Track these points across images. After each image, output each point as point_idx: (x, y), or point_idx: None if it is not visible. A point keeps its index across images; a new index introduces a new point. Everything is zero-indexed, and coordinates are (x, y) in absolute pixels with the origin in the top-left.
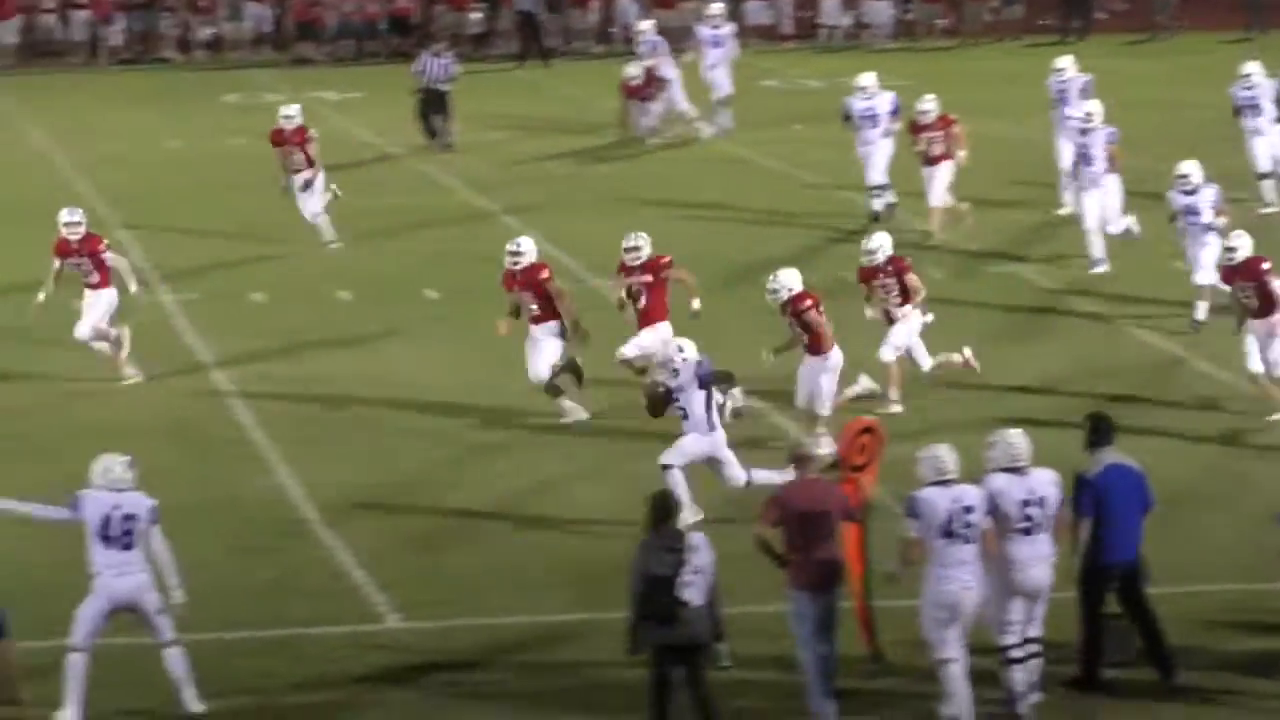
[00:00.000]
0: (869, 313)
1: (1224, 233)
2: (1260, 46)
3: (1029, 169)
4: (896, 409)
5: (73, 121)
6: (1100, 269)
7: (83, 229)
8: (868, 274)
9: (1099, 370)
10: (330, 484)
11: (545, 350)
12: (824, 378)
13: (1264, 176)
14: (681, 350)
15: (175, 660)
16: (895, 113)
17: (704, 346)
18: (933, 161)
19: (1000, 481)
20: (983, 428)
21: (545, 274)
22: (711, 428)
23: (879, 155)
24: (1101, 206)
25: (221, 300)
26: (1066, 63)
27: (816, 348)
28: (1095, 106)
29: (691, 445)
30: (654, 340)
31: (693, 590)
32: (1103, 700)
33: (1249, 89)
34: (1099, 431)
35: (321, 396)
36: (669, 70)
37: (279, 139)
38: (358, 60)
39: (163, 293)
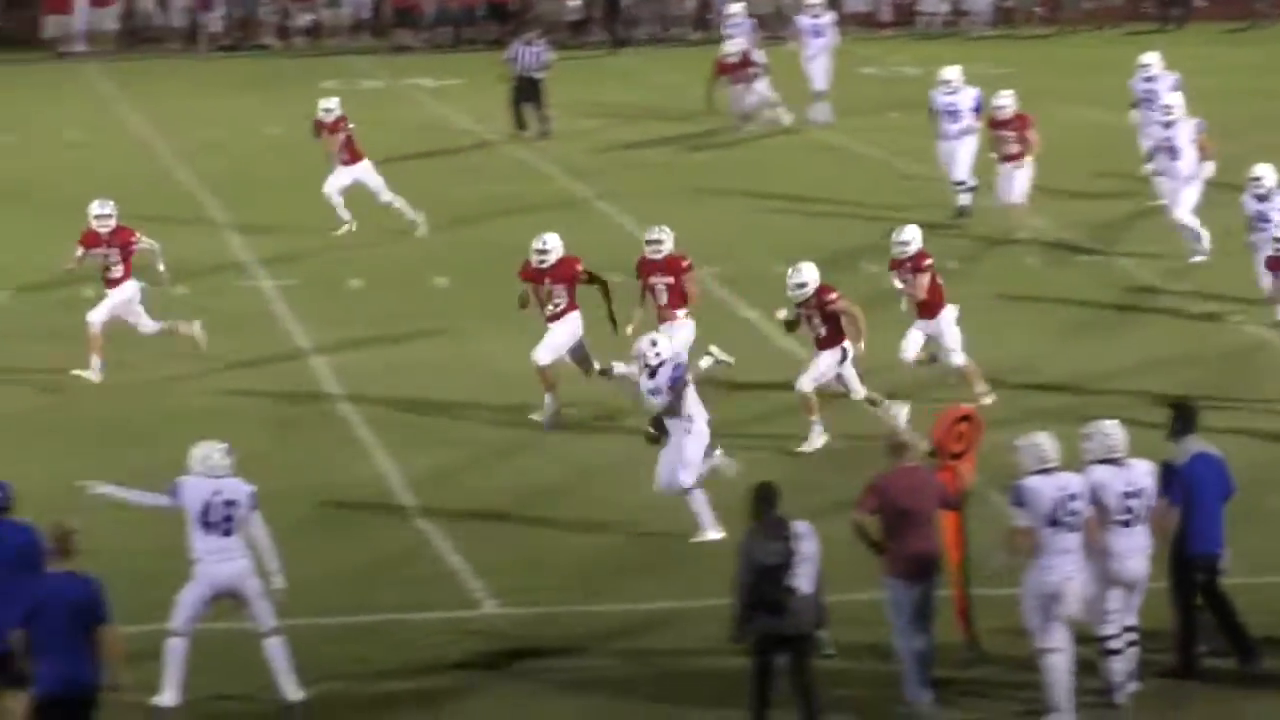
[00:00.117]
0: (904, 305)
1: None
2: None
3: (1125, 159)
4: (988, 400)
5: (172, 108)
6: (1198, 258)
7: (113, 221)
8: (895, 265)
9: (1184, 360)
10: (427, 470)
11: (559, 338)
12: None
13: None
14: (655, 345)
15: (275, 649)
16: (977, 109)
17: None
18: (1009, 159)
19: (1102, 473)
20: (1071, 418)
21: (580, 266)
22: (690, 420)
23: (962, 151)
24: (1193, 198)
25: (319, 286)
26: (1153, 59)
27: (835, 340)
28: (1177, 99)
29: (695, 452)
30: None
31: (802, 579)
32: (1198, 688)
33: None
34: (1183, 419)
35: (418, 383)
36: (758, 55)
37: (319, 131)
38: (455, 47)
39: (261, 278)
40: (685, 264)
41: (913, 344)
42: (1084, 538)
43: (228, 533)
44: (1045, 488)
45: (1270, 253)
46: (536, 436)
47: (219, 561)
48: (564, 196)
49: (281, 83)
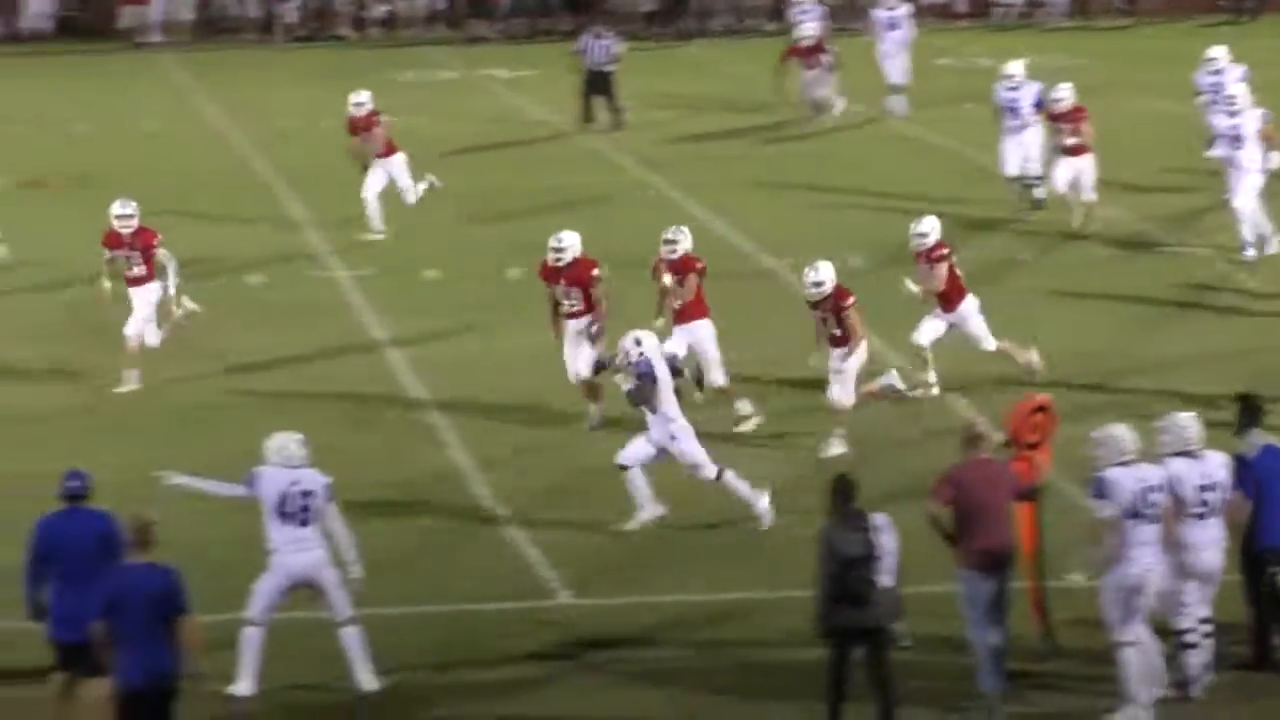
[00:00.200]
0: (920, 295)
1: None
2: None
3: (1199, 152)
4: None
5: (247, 99)
6: (1249, 253)
7: (135, 222)
8: (917, 256)
9: (1250, 352)
10: (502, 460)
11: (585, 348)
12: (845, 367)
13: None
14: (639, 344)
15: (352, 638)
16: (1038, 105)
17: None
18: (1067, 152)
19: (1179, 466)
20: (1141, 410)
21: (595, 271)
22: (670, 419)
23: (1022, 147)
24: (1255, 190)
25: (395, 277)
26: (1220, 53)
27: (844, 341)
28: (1242, 90)
29: (694, 447)
30: (680, 342)
31: (885, 573)
32: (1273, 680)
33: None
34: (1249, 412)
35: (494, 373)
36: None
37: (353, 127)
38: (530, 38)
39: (336, 269)
40: (699, 265)
41: (928, 333)
42: (1161, 530)
43: (304, 523)
44: (1126, 479)
45: None
46: (612, 427)
47: (296, 551)
48: (637, 188)
49: (357, 74)
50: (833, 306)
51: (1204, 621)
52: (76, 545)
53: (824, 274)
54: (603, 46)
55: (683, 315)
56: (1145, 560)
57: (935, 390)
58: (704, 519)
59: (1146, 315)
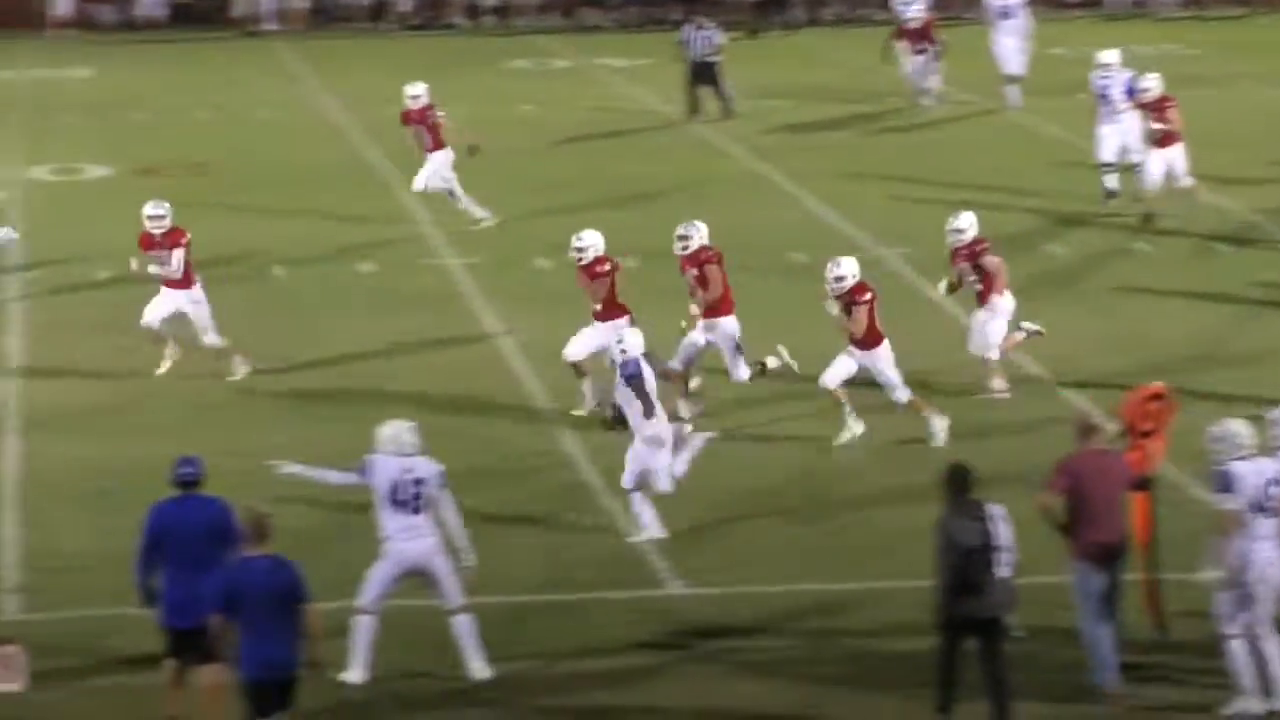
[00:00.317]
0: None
1: None
2: None
3: None
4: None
5: (361, 87)
6: None
7: (167, 222)
8: (952, 253)
9: None
10: (613, 449)
11: (588, 332)
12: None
13: None
14: (622, 342)
15: (463, 626)
16: (1130, 93)
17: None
18: (1159, 143)
19: None
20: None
21: (604, 268)
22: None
23: (1114, 135)
24: None
25: (505, 265)
26: None
27: (855, 338)
28: None
29: (640, 459)
30: (701, 336)
31: (1004, 565)
32: None
33: None
34: None
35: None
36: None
37: (406, 118)
38: (643, 27)
39: (448, 257)
40: (710, 254)
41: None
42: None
43: (417, 510)
44: (1248, 473)
45: None
46: (720, 414)
47: (408, 540)
48: (747, 176)
49: (470, 62)
50: (852, 300)
51: None
52: (188, 531)
53: (845, 268)
54: (704, 37)
55: (709, 310)
56: (1266, 553)
57: (1006, 394)
58: (815, 509)
59: (1256, 307)
